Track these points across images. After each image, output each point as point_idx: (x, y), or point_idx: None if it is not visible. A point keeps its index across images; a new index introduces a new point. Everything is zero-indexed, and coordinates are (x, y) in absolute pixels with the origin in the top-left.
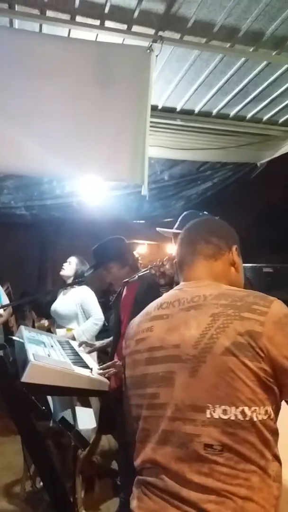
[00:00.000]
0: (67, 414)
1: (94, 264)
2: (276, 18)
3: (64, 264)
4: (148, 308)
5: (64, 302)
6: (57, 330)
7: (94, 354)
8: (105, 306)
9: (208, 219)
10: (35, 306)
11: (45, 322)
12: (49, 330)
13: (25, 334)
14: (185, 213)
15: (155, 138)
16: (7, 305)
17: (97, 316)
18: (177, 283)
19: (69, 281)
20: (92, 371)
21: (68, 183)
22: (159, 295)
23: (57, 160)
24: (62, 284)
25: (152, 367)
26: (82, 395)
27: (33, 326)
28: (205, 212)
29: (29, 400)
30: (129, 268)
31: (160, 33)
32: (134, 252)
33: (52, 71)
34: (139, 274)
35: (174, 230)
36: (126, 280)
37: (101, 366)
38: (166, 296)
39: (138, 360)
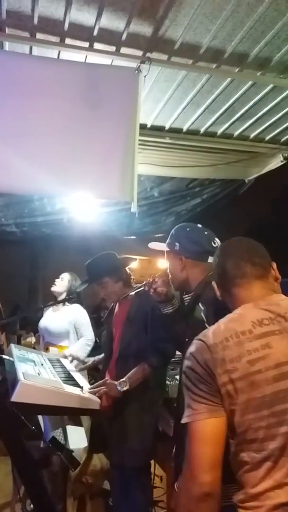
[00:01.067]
0: (58, 434)
1: (88, 279)
2: (260, 41)
3: (56, 280)
4: (238, 327)
5: (56, 320)
6: (51, 348)
7: (85, 371)
8: (97, 322)
9: (241, 240)
10: (25, 323)
11: (32, 339)
12: (33, 347)
13: (15, 353)
14: (175, 227)
15: (144, 156)
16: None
17: (89, 337)
18: (172, 298)
19: (61, 297)
20: (83, 389)
21: (59, 200)
22: (150, 312)
23: (48, 178)
24: (55, 301)
25: (283, 382)
26: (72, 414)
27: (19, 342)
28: (198, 225)
29: (19, 420)
30: (123, 283)
31: (148, 54)
32: (127, 268)
33: (43, 92)
34: (136, 291)
35: (160, 247)
36: (124, 296)
37: (92, 386)
38: (251, 314)
39: (261, 380)
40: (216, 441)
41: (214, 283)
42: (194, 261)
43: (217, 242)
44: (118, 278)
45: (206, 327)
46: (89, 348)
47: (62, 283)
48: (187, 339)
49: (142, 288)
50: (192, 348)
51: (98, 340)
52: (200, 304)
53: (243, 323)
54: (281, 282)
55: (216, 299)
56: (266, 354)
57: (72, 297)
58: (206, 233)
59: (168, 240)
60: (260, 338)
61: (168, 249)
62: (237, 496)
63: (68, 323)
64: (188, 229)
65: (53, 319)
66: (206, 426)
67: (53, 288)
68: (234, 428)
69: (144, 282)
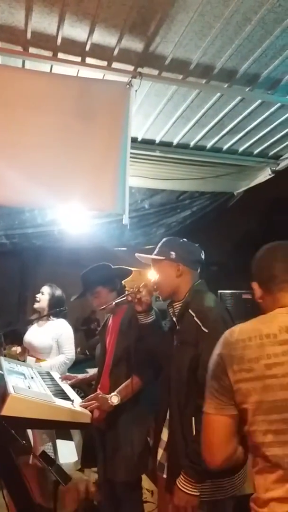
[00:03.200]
0: (48, 448)
1: (82, 290)
2: (248, 58)
3: (36, 295)
4: (264, 329)
5: (40, 335)
6: (28, 358)
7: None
8: (87, 335)
9: (279, 245)
10: (12, 334)
11: (17, 349)
12: (18, 358)
13: (5, 366)
14: (163, 240)
15: (135, 169)
16: None
17: (69, 355)
18: (151, 309)
19: (45, 312)
20: (73, 403)
21: (50, 211)
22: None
23: (39, 190)
24: (40, 316)
25: None
26: (63, 428)
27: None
28: (184, 239)
29: (9, 434)
30: (117, 293)
31: (139, 69)
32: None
33: (35, 105)
34: (116, 301)
35: (152, 256)
36: (105, 305)
37: (83, 400)
38: (281, 319)
39: (275, 385)
40: (222, 434)
41: (254, 284)
42: (189, 269)
43: (203, 254)
44: (112, 289)
45: (203, 331)
46: (66, 367)
47: (43, 298)
48: (177, 343)
49: (125, 298)
50: (219, 341)
51: (88, 353)
52: (189, 310)
53: (270, 326)
54: None
55: (209, 307)
56: (285, 361)
57: (63, 309)
58: (196, 244)
59: (158, 250)
60: (283, 345)
61: (162, 258)
62: (253, 496)
63: (51, 339)
64: (181, 240)
65: (37, 334)
66: (212, 421)
67: (36, 305)
68: (247, 425)
69: (127, 293)
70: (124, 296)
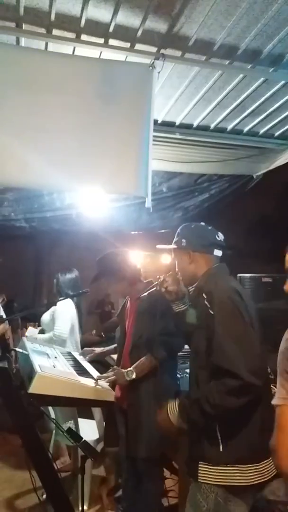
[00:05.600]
0: (70, 426)
1: (96, 275)
2: (274, 37)
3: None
4: None
5: (47, 312)
6: (30, 329)
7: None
8: (102, 317)
9: None
10: (30, 316)
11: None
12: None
13: (29, 346)
14: (181, 227)
15: (154, 151)
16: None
17: (57, 332)
18: (183, 297)
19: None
20: (97, 381)
21: (68, 195)
22: (159, 307)
23: (62, 174)
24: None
25: None
26: (88, 406)
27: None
28: (197, 224)
29: (34, 411)
30: (130, 280)
31: (162, 51)
32: (137, 264)
33: (57, 88)
34: (149, 292)
35: (166, 246)
36: (137, 297)
37: (101, 375)
38: None
39: None
40: None
41: None
42: (201, 253)
43: (221, 236)
44: (124, 276)
45: (210, 313)
46: (54, 343)
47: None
48: (193, 328)
49: (154, 288)
50: None
51: (104, 335)
52: (203, 294)
53: None
54: None
55: (219, 289)
56: None
57: (85, 291)
58: (209, 228)
59: (175, 239)
60: None
61: (175, 247)
62: None
63: (49, 314)
64: (192, 226)
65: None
66: (285, 414)
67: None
68: None
69: (155, 282)
70: (153, 286)
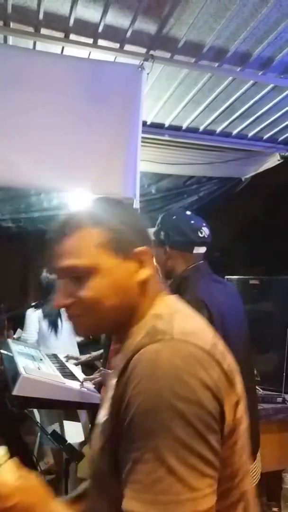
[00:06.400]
0: (55, 428)
1: None
2: (263, 40)
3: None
4: None
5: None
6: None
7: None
8: None
9: None
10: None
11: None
12: None
13: (14, 348)
14: (163, 214)
15: (143, 153)
16: None
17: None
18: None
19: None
20: (82, 384)
21: (56, 195)
22: None
23: (48, 174)
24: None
25: None
26: (73, 408)
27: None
28: (187, 212)
29: (18, 414)
30: None
31: (151, 52)
32: None
33: (45, 87)
34: None
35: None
36: None
37: (87, 377)
38: None
39: None
40: None
41: None
42: (179, 251)
43: (205, 231)
44: None
45: None
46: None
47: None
48: None
49: None
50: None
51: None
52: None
53: None
54: (280, 279)
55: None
56: None
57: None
58: (192, 222)
59: (155, 228)
60: None
61: (153, 238)
62: None
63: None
64: (174, 217)
65: None
66: None
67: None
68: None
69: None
70: None
